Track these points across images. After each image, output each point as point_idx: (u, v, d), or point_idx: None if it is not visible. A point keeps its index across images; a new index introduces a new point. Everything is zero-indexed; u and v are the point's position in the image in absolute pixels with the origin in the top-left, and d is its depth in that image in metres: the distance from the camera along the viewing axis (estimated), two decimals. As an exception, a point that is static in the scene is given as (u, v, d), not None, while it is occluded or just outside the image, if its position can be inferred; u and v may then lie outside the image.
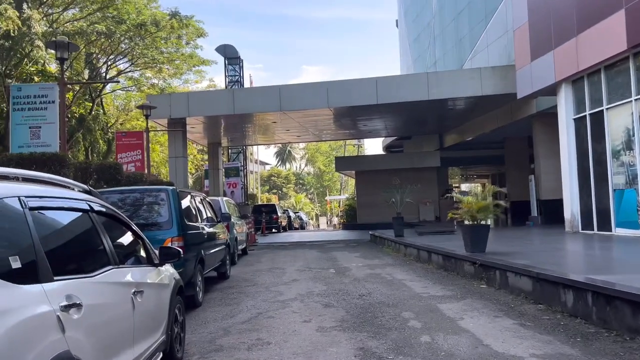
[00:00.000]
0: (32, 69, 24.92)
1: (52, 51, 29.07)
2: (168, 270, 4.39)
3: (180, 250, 4.19)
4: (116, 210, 3.72)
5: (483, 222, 8.85)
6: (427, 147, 28.72)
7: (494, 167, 36.39)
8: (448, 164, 30.00)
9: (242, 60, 30.95)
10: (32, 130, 10.98)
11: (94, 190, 3.50)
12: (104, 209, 3.43)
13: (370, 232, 18.12)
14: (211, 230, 8.36)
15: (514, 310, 5.92)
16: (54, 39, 10.33)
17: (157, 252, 4.24)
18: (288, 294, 7.58)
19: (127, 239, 3.83)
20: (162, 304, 4.08)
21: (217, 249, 8.64)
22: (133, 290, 3.32)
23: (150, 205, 6.72)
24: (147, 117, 17.54)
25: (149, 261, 4.08)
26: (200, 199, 8.56)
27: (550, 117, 17.01)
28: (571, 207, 13.13)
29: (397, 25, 40.09)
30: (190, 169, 45.17)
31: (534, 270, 6.41)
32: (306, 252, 14.30)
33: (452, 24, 25.78)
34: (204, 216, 8.39)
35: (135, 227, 3.97)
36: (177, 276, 4.74)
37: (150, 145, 34.87)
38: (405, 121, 23.89)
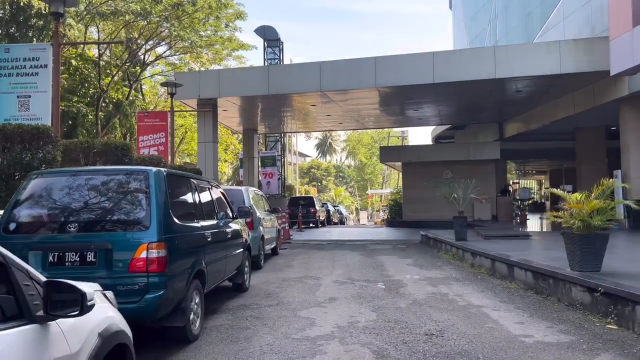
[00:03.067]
0: (72, 53, 23.74)
1: (92, 35, 28.26)
2: (77, 320, 2.22)
3: (82, 290, 2.03)
4: None
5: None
6: (484, 137, 25.77)
7: (555, 162, 32.98)
8: (507, 157, 26.94)
9: (282, 43, 28.85)
10: (21, 100, 9.17)
11: None
12: None
13: (421, 233, 15.63)
14: (221, 230, 6.22)
15: None
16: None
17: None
18: (322, 326, 5.35)
19: None
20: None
21: (230, 255, 6.50)
22: None
23: (122, 195, 4.59)
24: (172, 95, 15.68)
25: (25, 314, 1.93)
26: (208, 188, 6.43)
27: (646, 99, 14.09)
28: (687, 210, 10.26)
29: (450, 7, 37.08)
30: (230, 158, 43.65)
31: None
32: (346, 255, 12.03)
33: (518, -2, 22.74)
34: (213, 211, 6.27)
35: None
36: (118, 322, 2.57)
37: (189, 133, 33.85)
38: (461, 107, 21.11)
